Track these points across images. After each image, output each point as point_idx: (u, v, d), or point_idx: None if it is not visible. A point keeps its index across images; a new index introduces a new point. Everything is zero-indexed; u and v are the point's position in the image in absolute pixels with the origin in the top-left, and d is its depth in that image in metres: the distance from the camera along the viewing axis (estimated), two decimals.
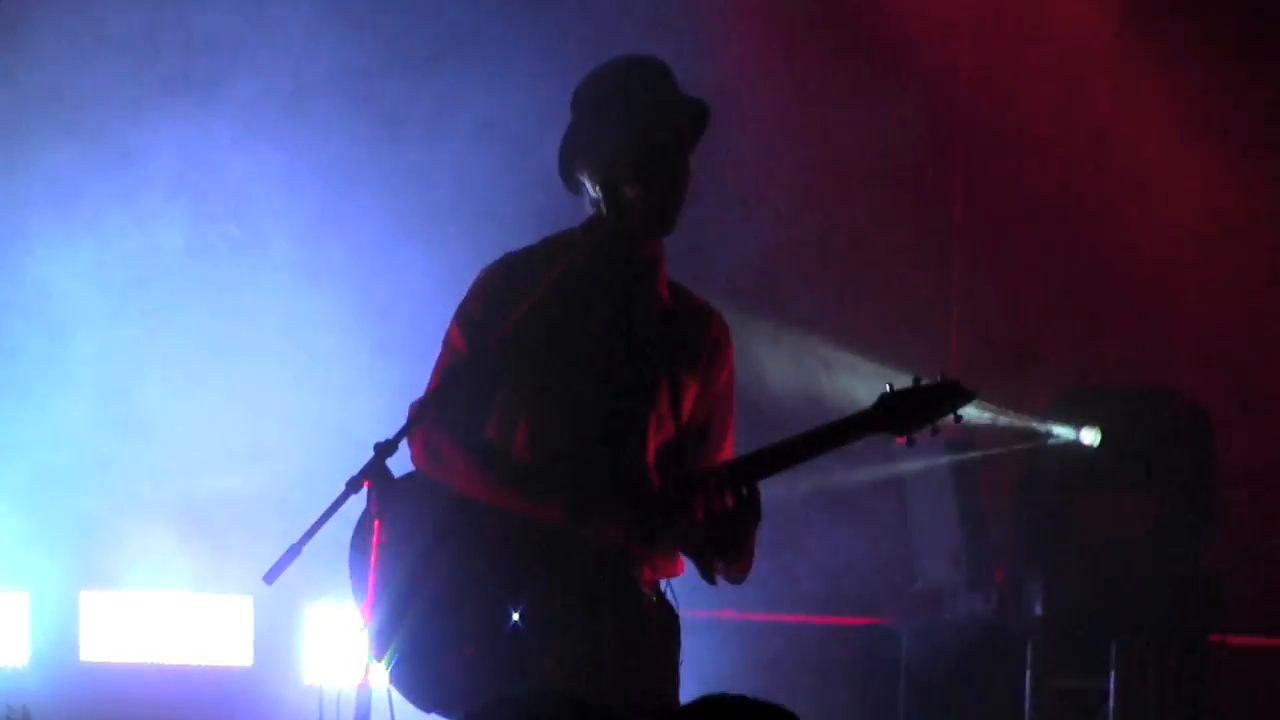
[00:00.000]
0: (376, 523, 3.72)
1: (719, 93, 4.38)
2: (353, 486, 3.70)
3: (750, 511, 3.97)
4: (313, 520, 3.68)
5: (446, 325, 4.14)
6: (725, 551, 4.02)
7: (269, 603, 7.51)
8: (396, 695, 3.92)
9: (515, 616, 3.90)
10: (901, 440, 4.01)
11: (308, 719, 7.22)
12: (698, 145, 4.09)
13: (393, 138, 7.55)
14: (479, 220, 7.29)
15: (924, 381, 3.99)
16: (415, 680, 3.97)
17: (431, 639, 3.95)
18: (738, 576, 4.09)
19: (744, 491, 3.94)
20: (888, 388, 3.98)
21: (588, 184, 4.06)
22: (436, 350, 4.14)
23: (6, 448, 7.47)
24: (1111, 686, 6.91)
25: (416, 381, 4.15)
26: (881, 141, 7.74)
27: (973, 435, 7.23)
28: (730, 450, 4.17)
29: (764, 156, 7.82)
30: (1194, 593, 6.90)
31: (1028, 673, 7.06)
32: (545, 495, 3.97)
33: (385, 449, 3.80)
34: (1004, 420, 7.23)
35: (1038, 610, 6.93)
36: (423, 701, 4.00)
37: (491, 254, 4.19)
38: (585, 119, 4.08)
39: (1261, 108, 7.65)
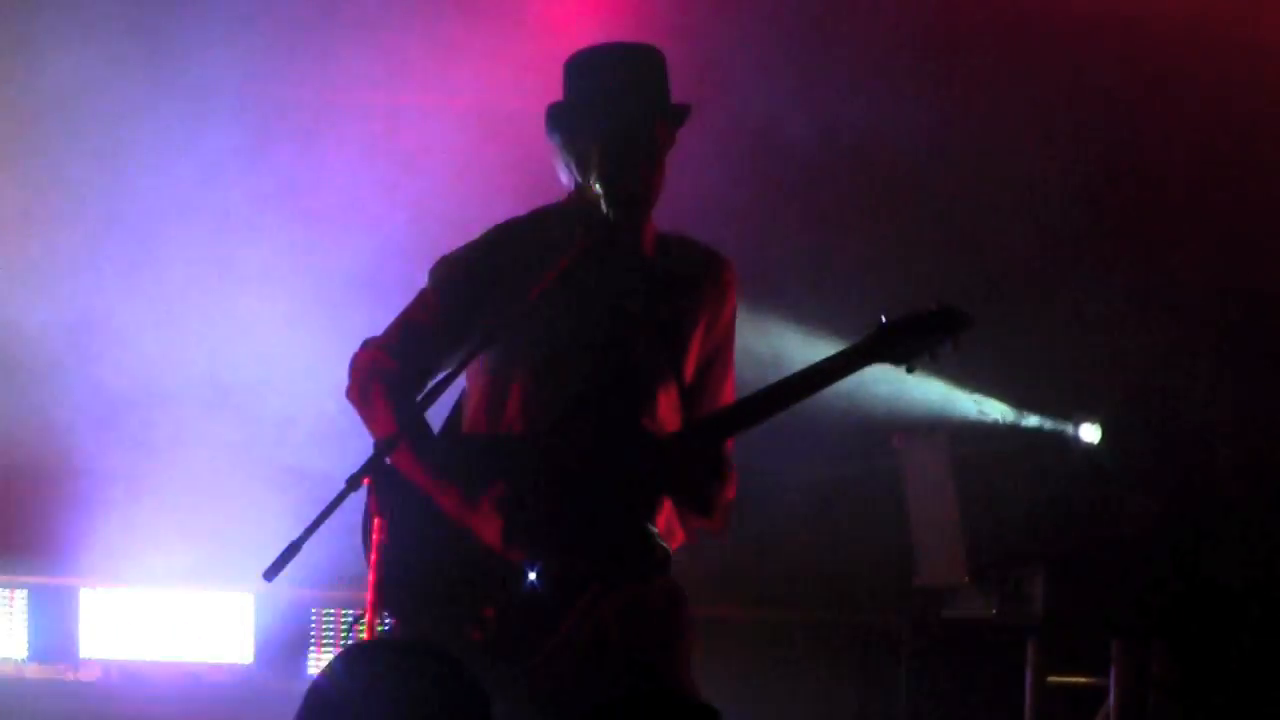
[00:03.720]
0: (377, 521, 3.71)
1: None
2: (352, 484, 3.70)
3: (705, 468, 3.94)
4: (313, 517, 3.68)
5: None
6: (693, 505, 3.99)
7: (270, 600, 7.51)
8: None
9: (532, 575, 3.88)
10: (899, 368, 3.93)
11: None
12: (672, 145, 4.04)
13: None
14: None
15: (920, 309, 3.94)
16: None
17: (449, 602, 3.92)
18: (708, 529, 4.05)
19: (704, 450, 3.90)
20: (883, 318, 3.93)
21: (561, 159, 4.05)
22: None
23: None
24: (1112, 684, 6.91)
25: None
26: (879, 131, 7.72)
27: (973, 433, 7.23)
28: (731, 390, 4.14)
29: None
30: (1194, 592, 6.89)
31: (1028, 670, 7.06)
32: (448, 478, 3.94)
33: (385, 447, 3.79)
34: (1005, 418, 7.23)
35: (1038, 608, 6.93)
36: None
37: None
38: (568, 95, 4.05)
39: None
